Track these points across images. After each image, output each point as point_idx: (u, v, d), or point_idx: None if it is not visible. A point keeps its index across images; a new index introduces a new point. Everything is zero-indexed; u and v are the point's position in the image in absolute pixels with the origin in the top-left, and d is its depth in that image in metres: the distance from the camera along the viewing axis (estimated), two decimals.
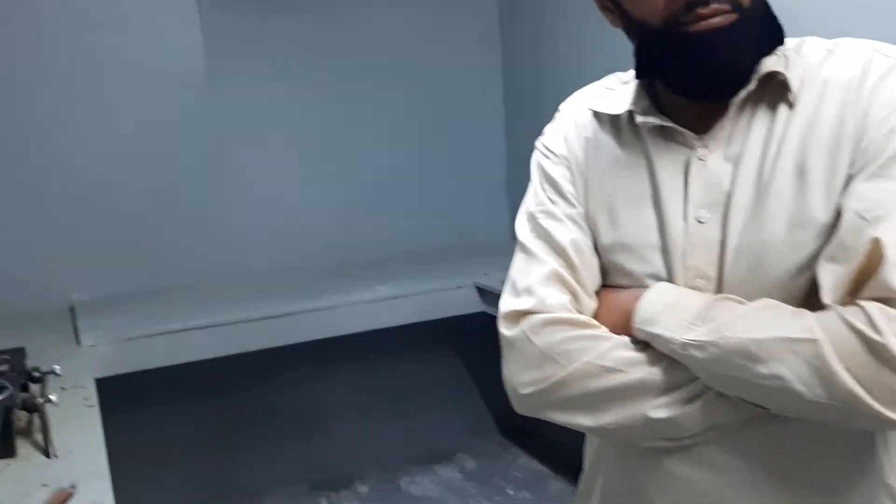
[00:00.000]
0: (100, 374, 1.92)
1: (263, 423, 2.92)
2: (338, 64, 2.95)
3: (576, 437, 0.94)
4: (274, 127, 2.90)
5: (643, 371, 0.82)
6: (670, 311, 0.81)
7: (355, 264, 2.93)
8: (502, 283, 0.85)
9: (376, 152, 3.05)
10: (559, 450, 2.92)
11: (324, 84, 2.94)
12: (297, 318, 2.45)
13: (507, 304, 0.92)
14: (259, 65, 2.85)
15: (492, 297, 2.50)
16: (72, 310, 2.56)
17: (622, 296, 0.88)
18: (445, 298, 2.61)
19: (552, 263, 0.90)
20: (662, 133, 0.89)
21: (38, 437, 1.49)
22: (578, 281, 0.89)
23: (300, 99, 2.92)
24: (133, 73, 2.67)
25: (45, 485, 1.31)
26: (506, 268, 0.94)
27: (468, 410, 3.28)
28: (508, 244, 3.64)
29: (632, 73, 0.92)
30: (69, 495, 0.75)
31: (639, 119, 0.90)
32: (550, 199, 0.95)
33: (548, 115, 1.01)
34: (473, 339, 3.16)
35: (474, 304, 2.60)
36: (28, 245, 2.60)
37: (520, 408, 0.89)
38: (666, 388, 0.81)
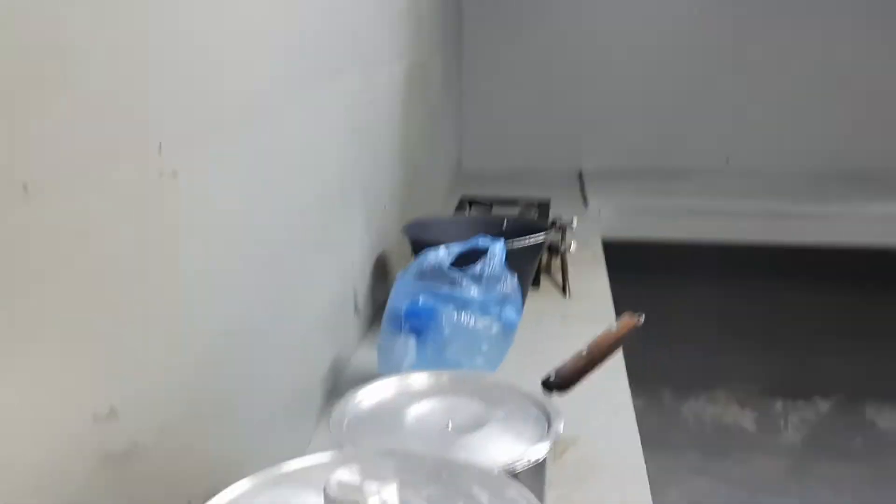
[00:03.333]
0: (604, 236, 2.15)
1: (735, 316, 2.98)
2: None
3: None
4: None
5: None
6: None
7: (869, 173, 2.73)
8: None
9: None
10: None
11: None
12: (796, 222, 2.41)
13: None
14: None
15: None
16: (580, 175, 2.86)
17: None
18: None
19: None
20: None
21: (556, 276, 1.77)
22: None
23: None
24: None
25: (563, 315, 1.59)
26: None
27: None
28: None
29: None
30: (635, 323, 0.90)
31: None
32: None
33: None
34: None
35: None
36: (551, 114, 2.94)
37: None
38: None
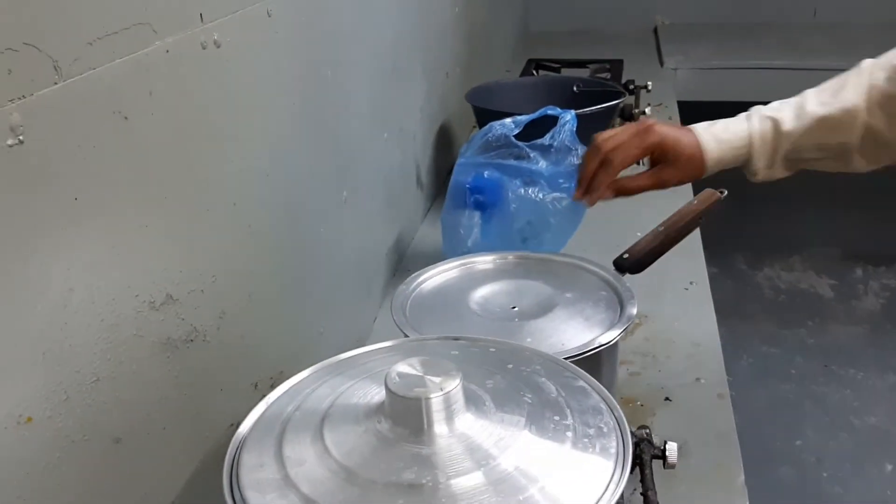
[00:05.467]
0: (680, 97, 2.03)
1: (815, 179, 2.83)
2: None
3: None
4: None
5: None
6: None
7: None
8: None
9: None
10: None
11: None
12: None
13: None
14: None
15: None
16: (655, 32, 2.68)
17: None
18: None
19: None
20: None
21: None
22: None
23: None
24: None
25: None
26: None
27: None
28: None
29: None
30: (717, 198, 0.83)
31: None
32: None
33: None
34: None
35: None
36: None
37: None
38: None
